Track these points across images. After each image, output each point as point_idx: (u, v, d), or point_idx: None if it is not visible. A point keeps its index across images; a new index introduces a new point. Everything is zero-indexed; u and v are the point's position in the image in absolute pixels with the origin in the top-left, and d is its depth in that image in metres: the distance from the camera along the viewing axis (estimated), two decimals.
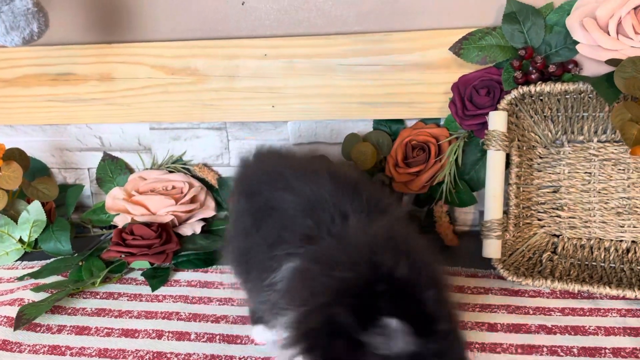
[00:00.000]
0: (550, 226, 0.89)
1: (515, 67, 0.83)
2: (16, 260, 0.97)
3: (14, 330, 0.74)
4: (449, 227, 0.85)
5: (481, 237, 0.83)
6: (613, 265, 0.84)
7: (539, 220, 0.90)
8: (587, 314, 0.74)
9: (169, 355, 0.70)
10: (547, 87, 0.81)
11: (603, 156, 0.86)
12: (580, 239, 0.88)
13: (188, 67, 0.97)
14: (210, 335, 0.73)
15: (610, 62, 0.75)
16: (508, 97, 0.82)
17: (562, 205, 0.89)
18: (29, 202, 0.99)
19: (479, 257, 0.86)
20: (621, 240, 0.86)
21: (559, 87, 0.80)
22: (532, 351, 0.67)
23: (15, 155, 0.95)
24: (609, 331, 0.70)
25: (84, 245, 0.99)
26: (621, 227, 0.86)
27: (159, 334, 0.74)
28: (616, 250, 0.86)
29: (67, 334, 0.75)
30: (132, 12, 0.96)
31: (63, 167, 1.11)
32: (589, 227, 0.88)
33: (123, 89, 1.00)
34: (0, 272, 0.93)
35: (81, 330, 0.76)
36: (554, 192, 0.89)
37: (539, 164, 0.89)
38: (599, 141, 0.86)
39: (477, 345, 0.68)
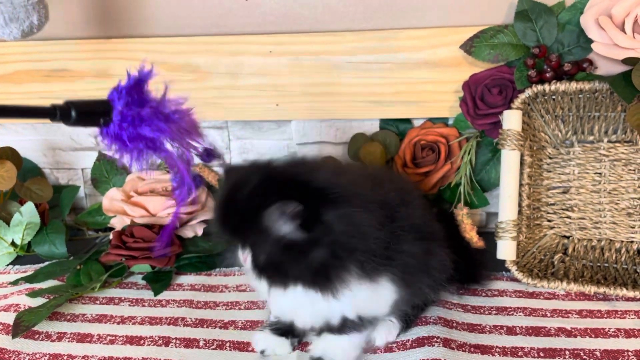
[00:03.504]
0: (560, 227, 0.88)
1: (529, 65, 0.81)
2: (8, 264, 0.93)
3: (13, 338, 0.70)
4: (473, 229, 0.83)
5: (496, 239, 0.81)
6: (625, 266, 0.83)
7: (549, 221, 0.89)
8: (605, 316, 0.73)
9: None
10: (562, 86, 0.79)
11: (613, 156, 0.85)
12: (591, 240, 0.87)
13: (189, 64, 0.94)
14: (220, 342, 0.70)
15: (627, 60, 0.74)
16: (522, 96, 0.81)
17: (572, 206, 0.88)
18: (21, 203, 0.95)
19: (488, 259, 0.85)
20: (632, 242, 0.85)
21: (574, 86, 0.79)
22: (554, 355, 0.66)
23: (8, 154, 0.91)
24: (629, 333, 0.69)
25: (79, 248, 0.96)
26: (632, 227, 0.85)
27: (166, 341, 0.71)
28: (627, 251, 0.85)
29: (68, 341, 0.72)
30: (131, 5, 0.93)
31: (55, 167, 1.07)
32: (599, 228, 0.87)
33: None
34: None
35: (83, 338, 0.72)
36: (564, 192, 0.88)
37: (548, 164, 0.88)
38: (609, 141, 0.85)
39: (497, 349, 0.67)
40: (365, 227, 0.56)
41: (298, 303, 0.60)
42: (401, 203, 0.63)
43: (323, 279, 0.56)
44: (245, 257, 0.60)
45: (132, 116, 0.45)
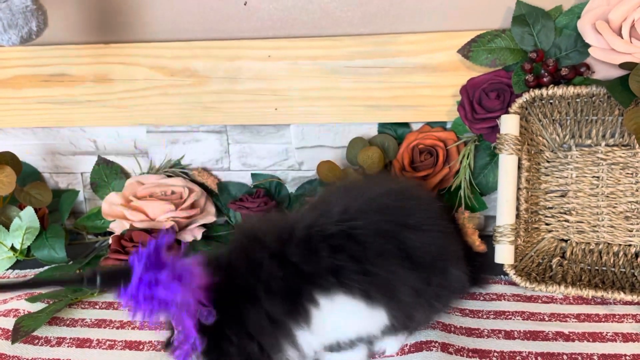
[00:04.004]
0: (558, 231, 0.89)
1: (526, 70, 0.82)
2: (7, 269, 0.93)
3: (12, 343, 0.70)
4: (475, 233, 0.83)
5: (493, 243, 0.82)
6: (623, 269, 0.83)
7: (547, 225, 0.89)
8: (603, 320, 0.73)
9: None
10: (559, 91, 0.80)
11: (611, 160, 0.86)
12: (589, 243, 0.87)
13: (188, 69, 0.94)
14: None
15: (625, 65, 0.75)
16: (520, 101, 0.81)
17: (569, 210, 0.88)
18: (21, 208, 0.95)
19: (488, 263, 0.85)
20: (630, 245, 0.85)
21: (571, 90, 0.79)
22: (552, 359, 0.66)
23: (8, 159, 0.91)
24: (627, 337, 0.69)
25: (78, 252, 0.96)
26: (630, 231, 0.86)
27: None
28: (625, 254, 0.85)
29: (68, 346, 0.72)
30: (130, 11, 0.93)
31: (55, 172, 1.07)
32: (597, 231, 0.87)
33: (120, 91, 0.97)
34: None
35: (82, 343, 0.72)
36: (562, 196, 0.88)
37: (546, 168, 0.89)
38: (607, 145, 0.86)
39: (495, 354, 0.67)
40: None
41: None
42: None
43: None
44: None
45: (150, 279, 0.50)
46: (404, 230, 0.63)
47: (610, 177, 0.86)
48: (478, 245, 0.83)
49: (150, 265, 0.50)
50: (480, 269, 0.82)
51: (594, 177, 0.87)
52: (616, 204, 0.86)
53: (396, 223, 0.63)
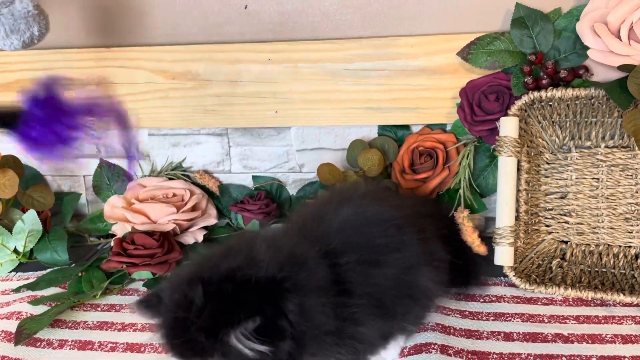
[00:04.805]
0: (558, 232, 0.89)
1: (525, 72, 0.82)
2: (10, 272, 0.93)
3: (15, 345, 0.71)
4: (474, 232, 0.83)
5: (493, 245, 0.82)
6: (623, 271, 0.84)
7: (547, 226, 0.89)
8: (603, 321, 0.73)
9: None
10: (558, 93, 0.80)
11: (611, 162, 0.86)
12: (589, 245, 0.87)
13: (189, 72, 0.95)
14: None
15: (623, 67, 0.75)
16: (519, 103, 0.82)
17: (569, 211, 0.88)
18: (23, 211, 0.96)
19: (487, 263, 0.85)
20: (630, 246, 0.86)
21: (570, 92, 0.79)
22: None
23: (10, 162, 0.92)
24: (626, 339, 0.69)
25: (81, 255, 0.96)
26: (629, 232, 0.86)
27: None
28: (625, 256, 0.85)
29: (70, 348, 0.72)
30: (131, 15, 0.94)
31: (57, 175, 1.08)
32: (597, 233, 0.87)
33: (122, 94, 0.97)
34: None
35: (84, 345, 0.73)
36: (562, 198, 0.89)
37: (546, 170, 0.89)
38: (606, 147, 0.86)
39: (494, 356, 0.67)
40: (317, 314, 0.54)
41: None
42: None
43: None
44: None
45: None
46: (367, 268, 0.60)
47: (610, 178, 0.86)
48: (478, 245, 0.83)
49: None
50: (476, 268, 0.82)
51: (593, 178, 0.87)
52: (616, 205, 0.86)
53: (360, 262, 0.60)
